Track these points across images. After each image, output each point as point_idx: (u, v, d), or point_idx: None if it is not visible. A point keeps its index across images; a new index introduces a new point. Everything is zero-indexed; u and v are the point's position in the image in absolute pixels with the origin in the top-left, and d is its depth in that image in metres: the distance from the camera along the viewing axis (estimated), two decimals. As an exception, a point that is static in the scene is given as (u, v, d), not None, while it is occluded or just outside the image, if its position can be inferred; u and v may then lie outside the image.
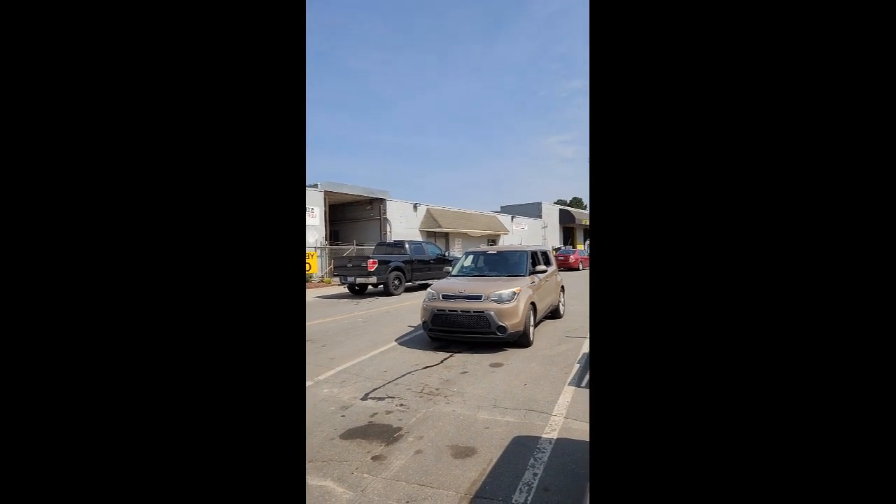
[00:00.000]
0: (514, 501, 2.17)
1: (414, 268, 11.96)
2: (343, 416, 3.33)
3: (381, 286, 11.19)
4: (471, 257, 6.92)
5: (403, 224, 20.12)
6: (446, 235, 22.42)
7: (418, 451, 2.72)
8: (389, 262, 11.26)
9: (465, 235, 23.29)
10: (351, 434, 3.00)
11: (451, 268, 7.08)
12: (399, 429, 3.07)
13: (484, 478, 2.39)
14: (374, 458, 2.66)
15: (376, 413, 3.37)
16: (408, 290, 11.93)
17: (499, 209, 31.51)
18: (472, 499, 2.21)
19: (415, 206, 20.91)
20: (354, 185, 17.89)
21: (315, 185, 16.50)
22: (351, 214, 20.93)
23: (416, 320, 6.91)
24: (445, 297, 5.36)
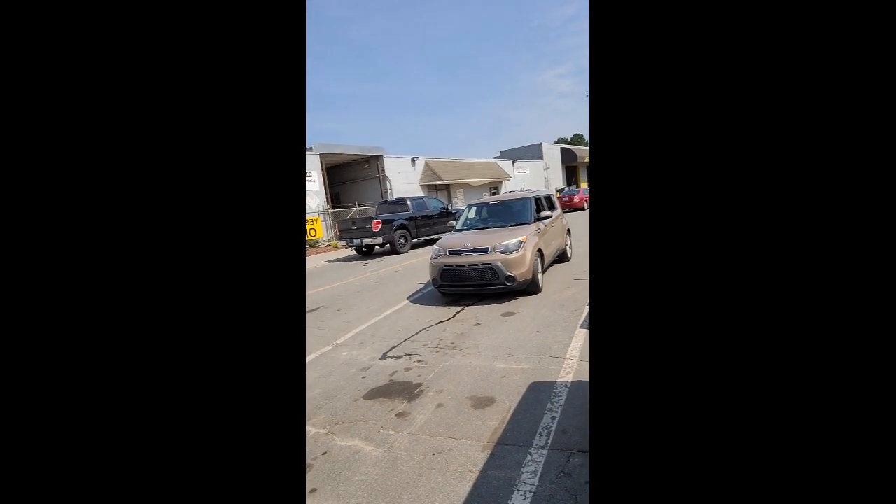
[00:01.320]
0: (534, 445, 2.28)
1: (418, 224, 11.92)
2: (364, 377, 3.45)
3: (388, 245, 11.23)
4: (474, 209, 6.84)
5: (403, 180, 19.82)
6: (447, 187, 22.12)
7: (439, 405, 2.84)
8: (393, 220, 11.22)
9: (466, 186, 22.95)
10: (373, 394, 3.12)
11: (455, 221, 7.03)
12: (419, 385, 3.19)
13: (504, 425, 2.50)
14: (398, 415, 2.78)
15: (396, 371, 3.48)
16: (414, 246, 11.97)
17: (499, 154, 30.76)
18: (495, 446, 2.32)
19: (413, 161, 20.48)
20: (349, 144, 17.45)
21: (310, 148, 16.09)
22: (349, 175, 20.59)
23: (426, 277, 6.98)
24: (452, 252, 5.36)
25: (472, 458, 2.24)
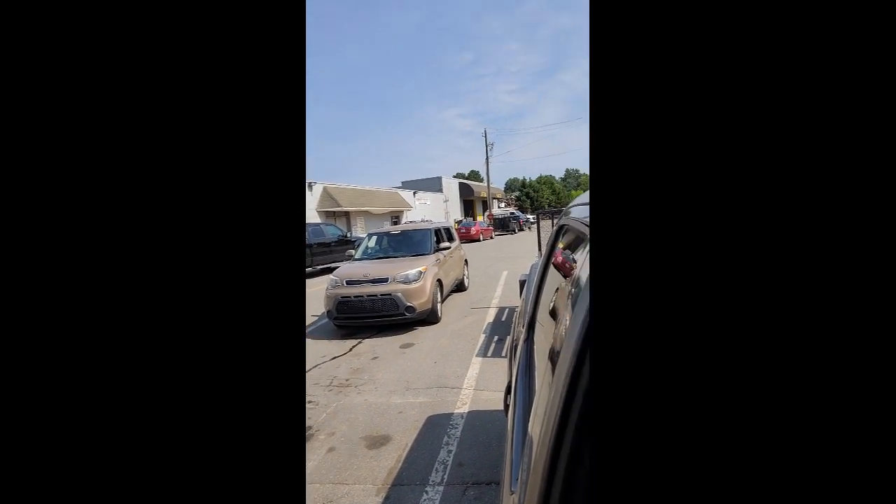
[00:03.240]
0: (430, 482, 2.22)
1: (314, 252, 11.33)
2: (244, 424, 3.06)
3: (279, 274, 10.41)
4: (374, 238, 6.75)
5: (299, 205, 18.81)
6: (347, 215, 21.60)
7: (331, 449, 2.63)
8: (286, 247, 10.49)
9: (367, 214, 22.69)
10: (254, 443, 2.77)
11: (353, 250, 6.85)
12: (309, 428, 2.93)
13: (400, 464, 2.40)
14: (283, 464, 2.50)
15: (282, 415, 3.16)
16: (309, 276, 11.31)
17: (400, 185, 31.23)
18: (390, 488, 2.21)
19: (310, 185, 19.66)
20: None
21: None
22: (237, 197, 18.85)
23: (320, 309, 6.60)
24: (350, 282, 5.17)
25: (365, 504, 2.09)
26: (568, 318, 0.67)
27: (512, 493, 0.76)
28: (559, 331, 0.74)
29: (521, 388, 1.11)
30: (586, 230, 0.75)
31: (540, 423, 0.62)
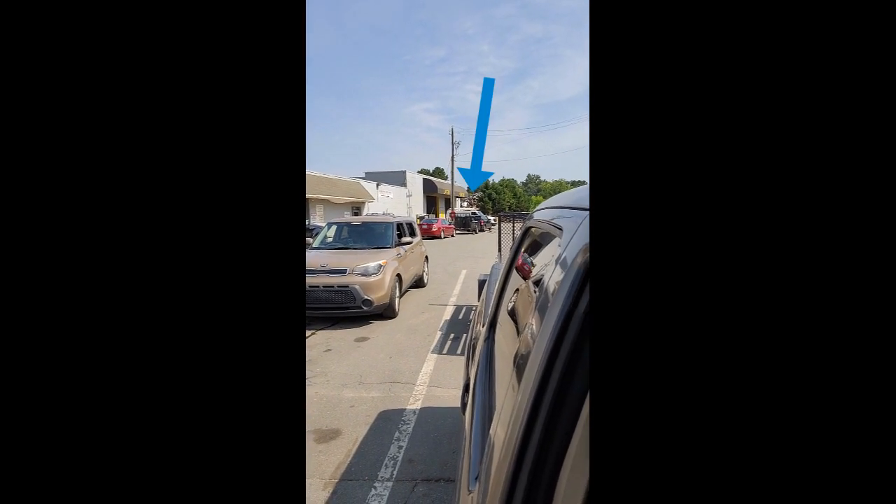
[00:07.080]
0: (379, 478, 2.21)
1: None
2: (183, 414, 2.90)
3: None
4: (334, 228, 6.60)
5: (255, 187, 17.98)
6: (306, 202, 20.93)
7: (277, 442, 2.55)
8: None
9: (326, 202, 22.08)
10: (194, 434, 2.64)
11: (311, 239, 6.66)
12: (254, 420, 2.82)
13: (350, 459, 2.38)
14: (225, 457, 2.40)
15: (226, 406, 3.02)
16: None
17: (363, 175, 30.64)
18: (338, 483, 2.17)
19: (269, 168, 18.82)
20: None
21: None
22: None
23: (273, 296, 6.36)
24: (307, 272, 5.02)
25: (311, 498, 2.05)
26: (534, 322, 0.68)
27: (470, 492, 0.77)
28: (525, 334, 0.76)
29: (481, 387, 1.13)
30: (558, 232, 0.77)
31: (505, 426, 0.63)
